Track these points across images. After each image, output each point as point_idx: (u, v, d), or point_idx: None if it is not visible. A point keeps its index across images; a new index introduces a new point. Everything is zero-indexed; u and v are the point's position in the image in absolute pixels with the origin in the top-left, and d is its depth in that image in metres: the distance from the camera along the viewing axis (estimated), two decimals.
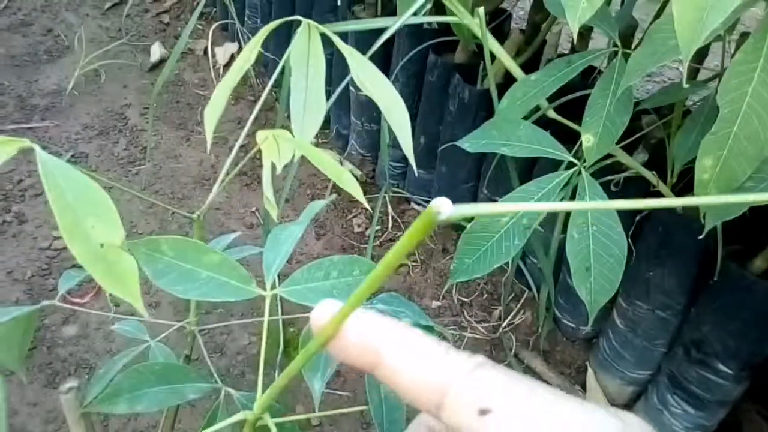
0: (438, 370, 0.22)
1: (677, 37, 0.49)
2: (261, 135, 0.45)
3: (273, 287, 0.41)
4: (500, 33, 1.27)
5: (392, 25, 0.71)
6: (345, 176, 0.45)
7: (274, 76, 0.59)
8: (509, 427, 0.20)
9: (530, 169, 1.14)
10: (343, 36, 1.45)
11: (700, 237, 0.68)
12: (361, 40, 1.35)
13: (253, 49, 0.59)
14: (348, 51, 0.58)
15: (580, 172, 0.70)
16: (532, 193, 0.69)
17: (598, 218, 0.66)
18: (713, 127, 0.59)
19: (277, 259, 0.42)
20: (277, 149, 0.45)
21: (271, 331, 1.06)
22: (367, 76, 0.58)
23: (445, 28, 1.27)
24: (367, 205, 0.46)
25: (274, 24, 0.59)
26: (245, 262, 0.49)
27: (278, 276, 0.46)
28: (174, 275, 0.38)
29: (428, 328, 0.51)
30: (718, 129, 0.59)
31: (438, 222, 0.18)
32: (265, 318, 0.42)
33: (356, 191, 0.46)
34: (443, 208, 0.18)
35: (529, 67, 1.09)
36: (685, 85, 0.51)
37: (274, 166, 0.51)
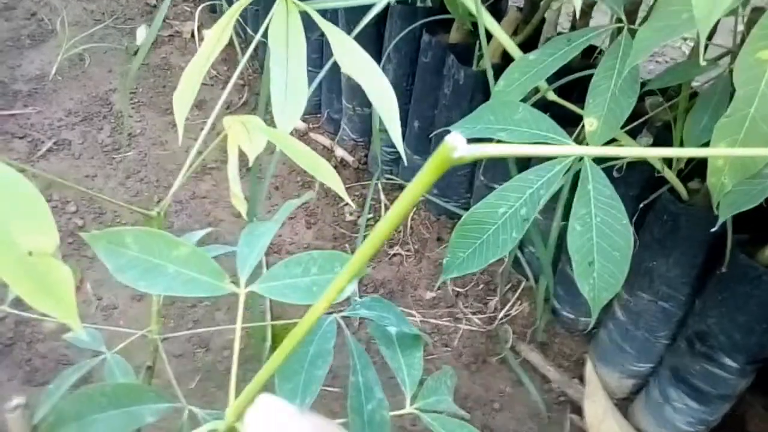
0: None
1: (694, 8, 0.44)
2: (227, 121, 0.40)
3: (248, 284, 0.37)
4: (496, 11, 1.21)
5: (381, 0, 0.66)
6: (323, 168, 0.41)
7: (245, 57, 0.54)
8: None
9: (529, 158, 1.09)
10: (333, 16, 1.39)
11: (713, 229, 0.63)
12: (352, 21, 1.29)
13: (225, 27, 0.54)
14: (331, 31, 0.53)
15: (582, 158, 0.65)
16: (532, 182, 0.65)
17: (603, 209, 0.61)
18: (728, 109, 0.54)
19: (252, 254, 0.38)
20: (247, 137, 0.40)
21: (258, 327, 1.02)
22: (352, 59, 0.53)
23: (439, 7, 1.21)
24: (350, 202, 0.42)
25: (237, 9, 0.54)
26: (221, 259, 0.45)
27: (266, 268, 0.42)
28: (139, 270, 0.33)
29: (415, 337, 0.46)
30: (734, 111, 0.54)
31: (452, 161, 0.18)
32: (239, 316, 0.38)
33: (336, 184, 0.41)
34: (459, 144, 0.18)
35: (527, 47, 1.04)
36: (703, 63, 0.46)
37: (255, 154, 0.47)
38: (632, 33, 0.66)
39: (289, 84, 0.56)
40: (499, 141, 0.69)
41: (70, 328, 0.36)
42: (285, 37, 0.55)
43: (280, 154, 0.92)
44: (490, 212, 0.66)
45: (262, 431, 0.24)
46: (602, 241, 0.61)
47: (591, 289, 0.61)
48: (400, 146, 0.55)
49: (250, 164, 0.41)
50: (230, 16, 0.52)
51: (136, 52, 1.91)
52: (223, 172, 1.49)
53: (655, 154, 0.21)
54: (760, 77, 0.54)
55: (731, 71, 0.69)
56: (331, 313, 0.42)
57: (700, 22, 0.43)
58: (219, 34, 0.52)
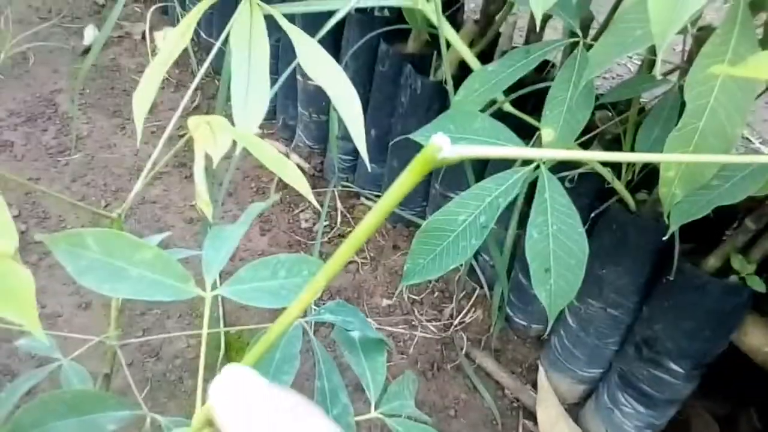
0: None
1: (651, 25, 0.45)
2: (193, 122, 0.39)
3: (214, 287, 0.36)
4: (453, 23, 1.23)
5: (343, 6, 0.66)
6: (290, 170, 0.40)
7: (209, 59, 0.53)
8: None
9: (484, 164, 1.11)
10: (289, 22, 1.38)
11: (664, 238, 0.66)
12: (309, 27, 1.29)
13: (185, 31, 0.53)
14: (297, 33, 0.53)
15: (539, 167, 0.66)
16: (491, 190, 0.66)
17: (559, 218, 0.63)
18: (679, 123, 0.56)
19: (218, 257, 0.37)
20: (212, 138, 0.40)
21: (211, 335, 1.00)
22: (317, 63, 0.53)
23: (397, 17, 1.22)
24: (314, 202, 0.41)
25: (206, 3, 0.53)
26: (184, 261, 0.44)
27: (219, 275, 0.41)
28: (101, 273, 0.32)
29: (379, 342, 0.46)
30: (684, 124, 0.56)
31: (437, 161, 0.18)
32: (205, 320, 0.37)
33: (302, 186, 0.41)
34: (444, 145, 0.18)
35: (484, 59, 1.06)
36: (659, 77, 0.47)
37: (210, 158, 0.46)
38: (587, 47, 0.68)
39: (251, 87, 0.56)
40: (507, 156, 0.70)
41: (17, 335, 0.34)
42: (248, 39, 0.54)
43: (237, 159, 0.91)
44: (451, 219, 0.66)
45: (228, 404, 0.22)
46: (558, 249, 0.62)
47: (547, 296, 0.63)
48: (363, 149, 0.55)
49: (215, 165, 0.40)
50: (189, 22, 0.51)
51: (83, 53, 1.85)
52: (174, 177, 1.46)
53: (611, 158, 0.22)
54: (709, 92, 0.57)
55: (681, 86, 0.72)
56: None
57: (657, 38, 0.44)
58: (177, 41, 0.51)
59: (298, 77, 1.44)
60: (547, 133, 0.65)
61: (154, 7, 1.90)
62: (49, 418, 0.31)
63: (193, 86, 0.58)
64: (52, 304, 1.16)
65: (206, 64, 0.62)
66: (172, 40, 0.51)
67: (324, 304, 0.50)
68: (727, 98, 0.56)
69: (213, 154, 0.40)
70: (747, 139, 1.77)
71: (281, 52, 1.43)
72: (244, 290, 0.34)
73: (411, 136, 0.75)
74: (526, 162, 0.73)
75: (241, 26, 0.53)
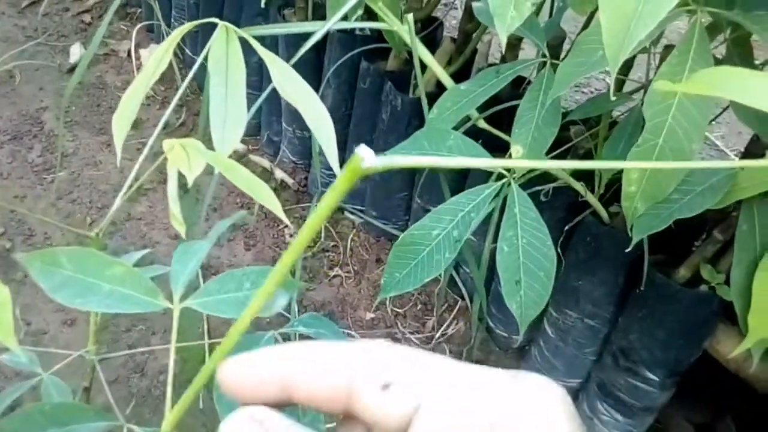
0: (339, 366, 0.22)
1: (605, 48, 0.48)
2: (167, 144, 0.41)
3: (182, 299, 0.38)
4: (432, 41, 1.26)
5: (319, 29, 0.68)
6: (262, 191, 0.42)
7: (186, 80, 0.55)
8: (411, 398, 0.20)
9: (464, 178, 1.13)
10: (273, 41, 1.41)
11: (628, 249, 0.68)
12: (292, 45, 1.31)
13: (166, 51, 0.55)
14: (270, 58, 0.55)
15: (510, 184, 0.69)
16: (463, 205, 0.68)
17: (529, 231, 0.65)
18: (639, 140, 0.59)
19: (185, 271, 0.39)
20: (186, 160, 0.42)
21: (195, 349, 1.01)
22: (289, 84, 0.55)
23: (378, 35, 1.25)
24: (287, 221, 0.43)
25: (189, 26, 0.55)
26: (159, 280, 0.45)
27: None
28: (74, 289, 0.34)
29: None
30: (644, 141, 0.59)
31: (362, 171, 0.19)
32: (173, 331, 0.38)
33: (274, 206, 0.43)
34: (367, 156, 0.19)
35: (461, 76, 1.09)
36: (613, 97, 0.50)
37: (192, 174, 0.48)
38: (555, 67, 0.71)
39: (229, 109, 0.58)
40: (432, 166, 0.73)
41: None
42: (225, 64, 0.56)
43: (219, 176, 0.93)
44: (425, 234, 0.68)
45: None
46: (528, 262, 0.64)
47: (518, 307, 0.65)
48: (336, 166, 0.58)
49: (189, 185, 0.42)
50: (171, 42, 0.53)
51: (69, 70, 1.87)
52: (159, 194, 1.47)
53: (570, 165, 0.24)
54: (667, 110, 0.60)
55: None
56: (268, 331, 0.44)
57: (611, 60, 0.47)
58: (159, 60, 0.53)
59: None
60: (516, 149, 0.68)
61: (140, 25, 1.92)
62: (28, 429, 0.33)
63: (173, 103, 0.60)
64: (38, 320, 1.17)
65: (186, 82, 0.64)
66: (151, 64, 0.53)
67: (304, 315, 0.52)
68: (684, 116, 0.59)
69: (187, 175, 0.42)
70: (722, 151, 1.81)
71: (265, 69, 1.45)
72: (210, 302, 0.36)
73: (388, 152, 0.77)
74: (501, 176, 0.75)
75: (218, 50, 0.55)
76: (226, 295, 0.37)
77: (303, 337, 0.45)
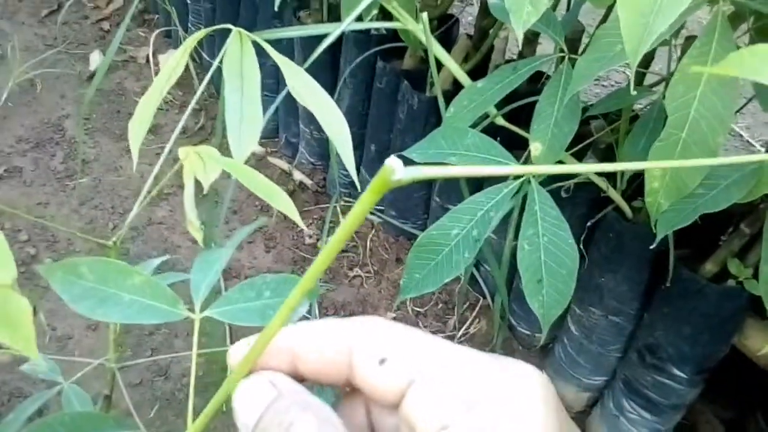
0: (340, 342, 0.23)
1: (624, 42, 0.47)
2: (183, 152, 0.41)
3: (203, 309, 0.38)
4: (448, 38, 1.25)
5: (333, 30, 0.68)
6: (278, 195, 0.42)
7: (203, 85, 0.55)
8: (405, 373, 0.22)
9: (482, 180, 1.12)
10: (289, 43, 1.41)
11: (652, 246, 0.67)
12: (308, 47, 1.31)
13: (181, 57, 0.55)
14: (284, 62, 0.55)
15: (530, 181, 0.68)
16: (482, 204, 0.67)
17: (550, 229, 0.64)
18: (661, 134, 0.58)
19: (205, 280, 0.39)
20: (202, 167, 0.42)
21: (218, 354, 1.01)
22: (304, 88, 0.55)
23: (393, 35, 1.24)
24: (304, 227, 0.43)
25: (203, 32, 0.55)
26: (179, 286, 0.45)
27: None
28: (95, 299, 0.34)
29: None
30: (667, 136, 0.58)
31: (392, 183, 0.19)
32: (194, 342, 0.39)
33: (291, 211, 0.43)
34: (397, 168, 0.19)
35: (478, 72, 1.08)
36: (633, 92, 0.49)
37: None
38: (573, 62, 0.69)
39: (244, 113, 0.58)
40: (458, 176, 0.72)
41: (24, 359, 0.36)
42: (239, 69, 0.56)
43: (237, 179, 0.93)
44: (444, 234, 0.68)
45: (254, 417, 0.22)
46: (549, 260, 0.63)
47: (540, 306, 0.64)
48: (353, 172, 0.57)
49: (205, 191, 0.42)
50: (185, 49, 0.53)
51: (89, 78, 1.89)
52: (179, 198, 1.48)
53: (591, 168, 0.23)
54: (690, 103, 0.58)
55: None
56: None
57: (630, 55, 0.46)
58: (174, 67, 0.53)
59: None
60: (535, 147, 0.67)
61: (157, 31, 1.94)
62: None
63: (189, 108, 0.60)
64: (63, 326, 1.19)
65: (202, 87, 0.64)
66: (166, 71, 0.54)
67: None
68: (708, 109, 0.57)
69: (203, 181, 0.41)
70: (748, 142, 1.78)
71: (281, 72, 1.45)
72: (230, 311, 0.36)
73: (405, 153, 0.77)
74: (520, 175, 0.74)
75: (232, 56, 0.55)
76: (246, 303, 0.37)
77: None
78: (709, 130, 0.57)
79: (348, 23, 0.69)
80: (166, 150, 0.53)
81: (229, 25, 0.54)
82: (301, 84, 0.53)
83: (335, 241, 0.24)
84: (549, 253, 0.64)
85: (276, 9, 0.70)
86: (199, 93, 0.62)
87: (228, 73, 0.57)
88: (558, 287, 0.63)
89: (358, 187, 0.63)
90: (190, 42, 0.54)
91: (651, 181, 0.58)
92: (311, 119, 1.47)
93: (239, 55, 0.55)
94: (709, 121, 0.57)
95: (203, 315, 0.35)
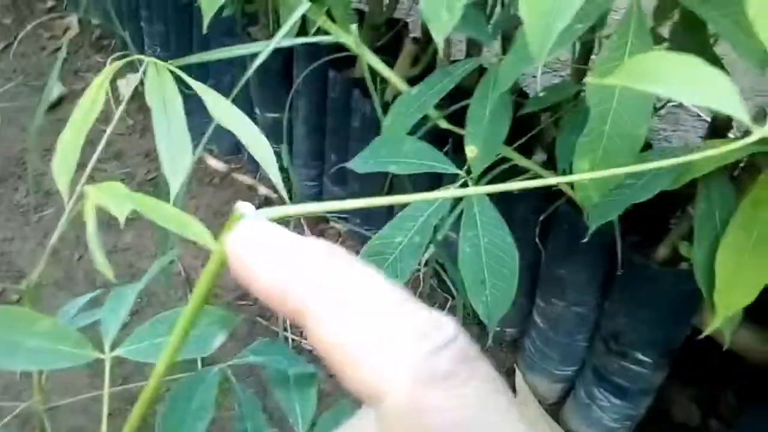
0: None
1: (528, 43, 0.48)
2: (87, 190, 0.41)
3: (113, 348, 0.38)
4: (398, 43, 1.26)
5: (262, 49, 0.68)
6: (193, 227, 0.42)
7: (117, 113, 0.55)
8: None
9: (438, 182, 1.13)
10: (242, 58, 1.41)
11: (584, 240, 0.68)
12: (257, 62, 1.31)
13: (98, 90, 0.55)
14: (202, 89, 0.55)
15: (467, 184, 0.68)
16: (422, 210, 0.68)
17: (489, 230, 0.65)
18: (585, 129, 0.59)
19: (116, 318, 0.39)
20: (113, 203, 0.42)
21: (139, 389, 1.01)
22: (227, 116, 0.55)
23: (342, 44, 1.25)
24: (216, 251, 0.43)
25: (116, 65, 0.55)
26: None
27: None
28: (1, 349, 0.34)
29: (311, 375, 0.48)
30: (591, 130, 0.59)
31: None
32: (106, 382, 0.39)
33: (209, 242, 0.43)
34: (247, 212, 0.21)
35: (426, 75, 1.08)
36: (541, 94, 0.50)
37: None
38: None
39: (173, 142, 0.58)
40: (391, 173, 0.73)
41: None
42: (162, 99, 0.56)
43: (183, 200, 0.93)
44: (387, 243, 0.68)
45: (248, 249, 0.20)
46: (491, 261, 0.64)
47: (485, 306, 0.64)
48: (280, 186, 0.58)
49: (122, 227, 0.42)
50: (100, 84, 0.54)
51: (50, 108, 1.87)
52: (146, 222, 1.48)
53: (512, 187, 0.23)
54: (610, 97, 0.59)
55: None
56: (214, 364, 0.44)
57: (535, 56, 0.47)
58: (92, 101, 0.54)
59: (256, 110, 1.46)
60: (470, 149, 0.68)
61: (114, 55, 1.93)
62: None
63: (108, 132, 0.60)
64: None
65: (116, 115, 0.64)
66: (85, 104, 0.54)
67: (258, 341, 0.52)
68: (628, 101, 0.58)
69: (118, 216, 0.42)
70: (706, 121, 1.80)
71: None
72: (141, 348, 0.36)
73: (347, 164, 0.77)
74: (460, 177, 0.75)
75: (153, 86, 0.55)
76: (158, 339, 0.37)
77: (255, 367, 0.45)
78: (631, 121, 0.58)
79: (278, 40, 0.70)
80: (87, 171, 0.53)
81: (141, 56, 0.54)
82: (220, 109, 0.54)
83: (199, 294, 0.24)
84: (490, 254, 0.65)
85: (204, 29, 0.70)
86: (115, 121, 0.62)
87: (152, 103, 0.57)
88: (501, 287, 0.64)
89: (286, 199, 0.64)
90: (105, 75, 0.54)
91: (580, 173, 0.59)
92: (270, 134, 1.47)
93: (159, 84, 0.56)
94: (631, 114, 0.58)
95: (113, 354, 0.35)
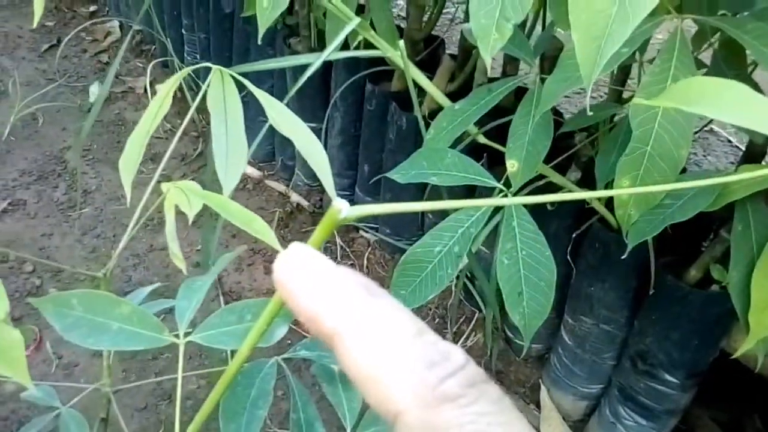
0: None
1: (579, 66, 0.50)
2: (165, 186, 0.44)
3: (187, 334, 0.41)
4: (434, 60, 1.29)
5: (314, 61, 0.71)
6: (257, 225, 0.45)
7: (188, 116, 0.58)
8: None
9: (472, 190, 1.15)
10: (280, 69, 1.44)
11: (623, 257, 0.69)
12: (299, 72, 1.35)
13: (164, 97, 0.58)
14: (260, 94, 0.58)
15: (507, 197, 0.70)
16: (462, 221, 0.70)
17: (527, 243, 0.66)
18: (628, 148, 0.60)
19: (190, 306, 0.42)
20: (185, 200, 0.44)
21: (216, 373, 1.04)
22: (285, 121, 0.58)
23: (381, 58, 1.28)
24: (279, 248, 0.46)
25: (182, 73, 0.58)
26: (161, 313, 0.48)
27: None
28: (85, 329, 0.37)
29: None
30: (633, 150, 0.60)
31: (339, 221, 0.22)
32: (180, 365, 0.41)
33: (270, 238, 0.45)
34: (343, 207, 0.22)
35: (464, 92, 1.11)
36: (589, 113, 0.52)
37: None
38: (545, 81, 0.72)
39: (230, 146, 0.61)
40: (432, 184, 0.75)
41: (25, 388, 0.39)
42: (223, 104, 0.59)
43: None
44: (427, 251, 0.70)
45: (291, 277, 0.22)
46: (528, 273, 0.66)
47: (522, 318, 0.66)
48: (332, 193, 0.60)
49: (190, 222, 0.45)
50: (171, 85, 0.57)
51: (89, 110, 1.93)
52: (179, 223, 1.51)
53: (554, 198, 0.25)
54: (653, 118, 0.61)
55: None
56: (274, 356, 0.46)
57: (585, 78, 0.49)
58: (160, 102, 0.57)
59: None
60: (511, 164, 0.70)
61: (154, 61, 1.98)
62: None
63: (177, 136, 0.63)
64: (68, 354, 1.21)
65: (189, 115, 0.67)
66: (153, 107, 0.57)
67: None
68: (670, 123, 0.60)
69: (187, 213, 0.44)
70: (737, 147, 1.80)
71: (275, 97, 1.49)
72: (213, 335, 0.39)
73: (388, 174, 0.80)
74: (502, 190, 0.77)
75: (215, 91, 0.58)
76: (228, 327, 0.39)
77: (305, 361, 0.48)
78: (672, 143, 0.60)
79: (327, 54, 0.73)
80: (155, 177, 0.56)
81: (209, 64, 0.57)
82: (279, 115, 0.56)
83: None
84: (528, 266, 0.66)
85: (259, 41, 0.73)
86: (186, 120, 0.65)
87: (212, 108, 0.60)
88: (538, 299, 0.66)
89: (343, 211, 0.66)
90: (174, 80, 0.57)
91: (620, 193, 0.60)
92: None
93: (221, 90, 0.58)
94: (673, 135, 0.60)
95: (187, 340, 0.38)
